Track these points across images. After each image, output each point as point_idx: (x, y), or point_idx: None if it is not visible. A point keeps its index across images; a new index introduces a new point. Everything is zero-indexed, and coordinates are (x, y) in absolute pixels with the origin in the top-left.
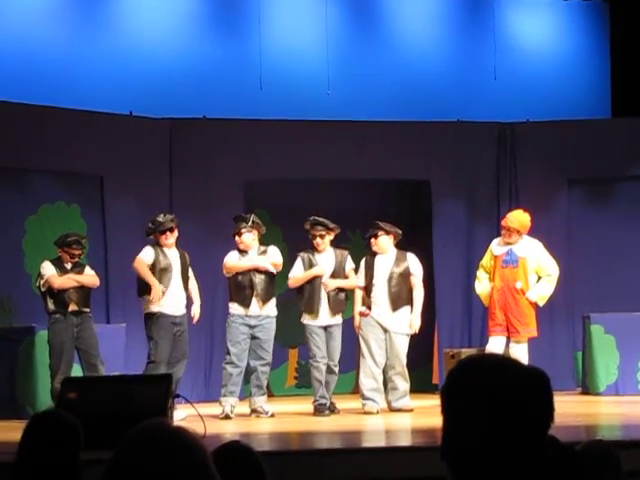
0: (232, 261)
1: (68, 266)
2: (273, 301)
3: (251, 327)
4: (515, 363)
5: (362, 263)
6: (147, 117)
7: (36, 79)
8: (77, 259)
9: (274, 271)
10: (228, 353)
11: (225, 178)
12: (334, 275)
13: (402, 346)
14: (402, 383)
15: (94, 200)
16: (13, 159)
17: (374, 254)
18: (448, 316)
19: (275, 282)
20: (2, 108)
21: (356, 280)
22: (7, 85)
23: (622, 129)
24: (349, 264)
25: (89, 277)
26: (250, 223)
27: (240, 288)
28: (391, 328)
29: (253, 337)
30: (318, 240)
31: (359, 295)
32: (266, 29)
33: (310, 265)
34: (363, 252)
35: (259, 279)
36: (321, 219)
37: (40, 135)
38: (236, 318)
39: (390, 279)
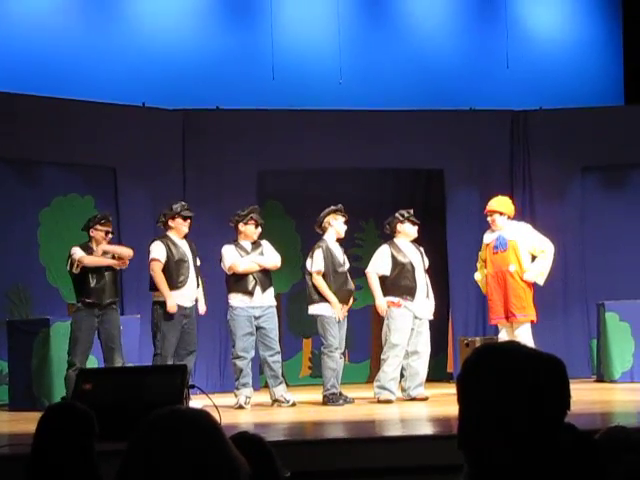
0: (237, 262)
1: (97, 249)
2: (272, 290)
3: (256, 318)
4: (531, 351)
5: (386, 251)
6: (160, 108)
7: (49, 71)
8: (111, 235)
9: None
10: (234, 346)
11: (238, 168)
12: (334, 267)
13: (428, 333)
14: (424, 370)
15: (107, 192)
16: (26, 151)
17: (392, 242)
18: (462, 304)
19: (271, 273)
20: (15, 100)
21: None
22: (20, 77)
23: (635, 116)
24: (347, 262)
25: (120, 247)
26: (259, 217)
27: (243, 279)
28: (425, 316)
29: (258, 328)
30: (344, 226)
31: (376, 281)
32: (278, 19)
33: (331, 257)
34: (375, 242)
35: (259, 272)
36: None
37: (53, 127)
38: (240, 311)
39: (422, 267)
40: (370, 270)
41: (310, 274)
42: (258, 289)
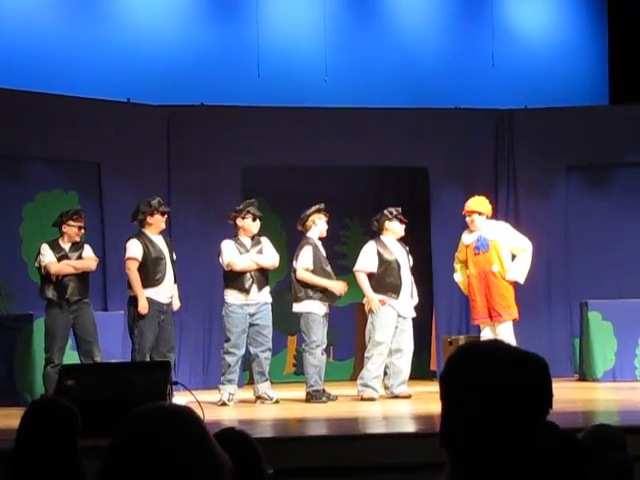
0: (236, 260)
1: (66, 247)
2: (268, 288)
3: (251, 315)
4: (514, 349)
5: (372, 248)
6: (145, 104)
7: (34, 66)
8: (83, 230)
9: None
10: (227, 341)
11: (223, 165)
12: (316, 265)
13: (412, 332)
14: (407, 368)
15: (92, 187)
16: (10, 146)
17: (379, 239)
18: (446, 303)
19: (268, 270)
20: None
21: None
22: (4, 72)
23: (620, 115)
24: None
25: (85, 262)
26: (256, 210)
27: (240, 277)
28: (409, 314)
29: (252, 324)
30: (327, 226)
31: (365, 279)
32: (264, 16)
33: (318, 253)
34: (360, 239)
35: (256, 271)
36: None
37: (37, 122)
38: (235, 308)
39: (408, 266)
40: (358, 269)
41: (295, 271)
42: (254, 287)
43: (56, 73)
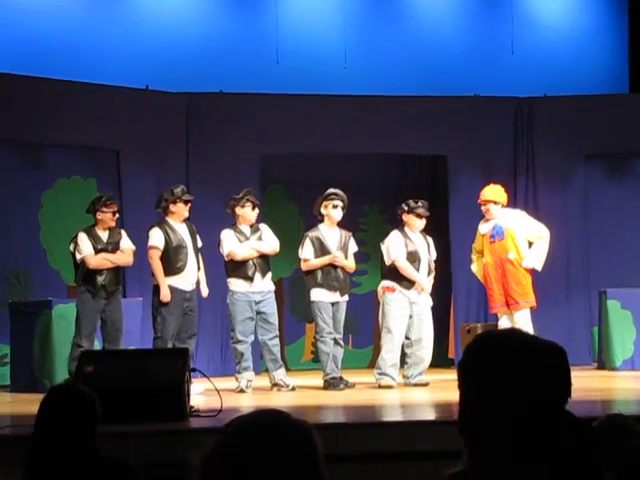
0: (236, 250)
1: (104, 235)
2: (270, 275)
3: (256, 303)
4: (532, 338)
5: (399, 236)
6: (164, 91)
7: (53, 53)
8: (117, 215)
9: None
10: (233, 330)
11: (241, 152)
12: (324, 254)
13: (431, 320)
14: (428, 358)
15: (110, 174)
16: (29, 133)
17: (402, 228)
18: (464, 291)
19: (269, 257)
20: (18, 82)
21: (353, 264)
22: (24, 59)
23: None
24: (353, 247)
25: (124, 257)
26: (254, 198)
27: (242, 265)
28: (422, 301)
29: (258, 312)
30: (338, 210)
31: (407, 265)
32: (282, 3)
33: (320, 245)
34: (380, 227)
35: (257, 258)
36: (336, 190)
37: (56, 109)
38: (240, 295)
39: (427, 258)
40: (395, 258)
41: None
42: (258, 275)
43: (75, 60)
